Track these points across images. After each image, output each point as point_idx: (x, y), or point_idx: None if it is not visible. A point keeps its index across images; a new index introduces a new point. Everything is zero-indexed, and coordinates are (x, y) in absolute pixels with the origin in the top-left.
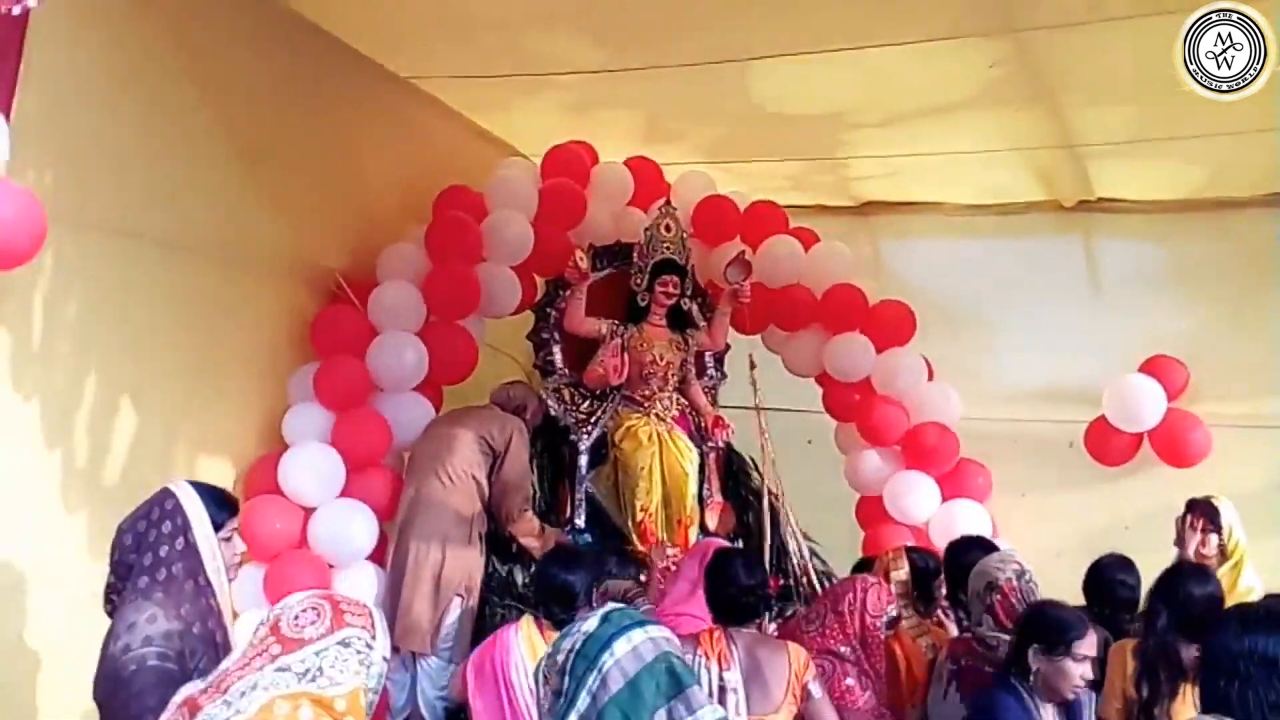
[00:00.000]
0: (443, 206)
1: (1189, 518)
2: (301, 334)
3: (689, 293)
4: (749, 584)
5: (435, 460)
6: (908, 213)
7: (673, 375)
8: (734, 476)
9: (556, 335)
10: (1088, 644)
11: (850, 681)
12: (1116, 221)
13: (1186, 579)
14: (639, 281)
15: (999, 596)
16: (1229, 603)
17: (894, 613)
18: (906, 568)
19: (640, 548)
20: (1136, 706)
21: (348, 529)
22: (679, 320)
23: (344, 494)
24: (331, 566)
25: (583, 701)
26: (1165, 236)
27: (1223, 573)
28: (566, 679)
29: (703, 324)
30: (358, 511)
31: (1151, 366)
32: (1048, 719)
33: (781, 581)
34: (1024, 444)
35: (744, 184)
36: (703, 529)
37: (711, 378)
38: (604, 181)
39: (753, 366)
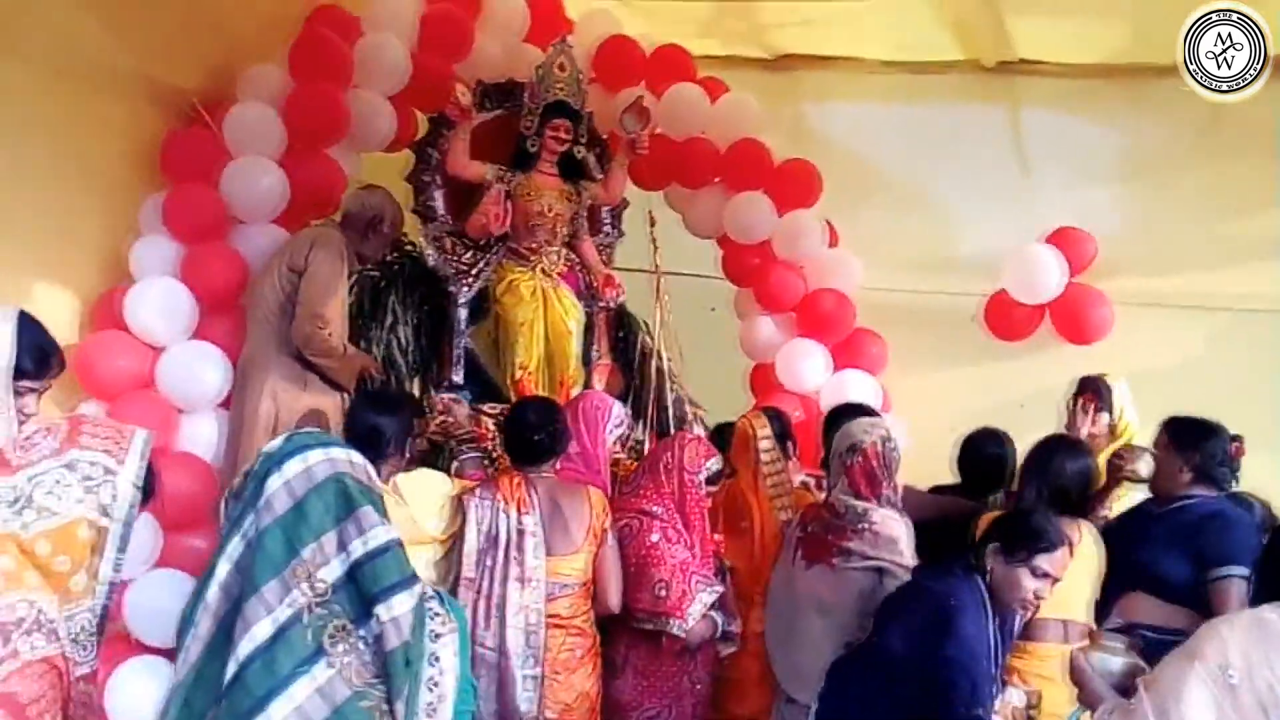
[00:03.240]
0: (313, 26)
1: (1080, 396)
2: (152, 160)
3: (584, 140)
4: (535, 423)
5: (257, 302)
6: (825, 68)
7: (562, 228)
8: (625, 339)
9: (438, 178)
10: (1054, 561)
11: (655, 537)
12: (1039, 87)
13: (1058, 452)
14: (528, 124)
15: (860, 459)
16: None
17: (715, 467)
18: (769, 428)
19: None
20: None
21: (197, 371)
22: (573, 170)
23: (195, 334)
24: (180, 411)
25: (248, 524)
26: (1088, 104)
27: (1110, 451)
28: (237, 503)
29: (600, 176)
30: (209, 353)
31: (1056, 238)
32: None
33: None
34: (925, 316)
35: (652, 26)
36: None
37: (607, 234)
38: (497, 12)
39: (652, 224)
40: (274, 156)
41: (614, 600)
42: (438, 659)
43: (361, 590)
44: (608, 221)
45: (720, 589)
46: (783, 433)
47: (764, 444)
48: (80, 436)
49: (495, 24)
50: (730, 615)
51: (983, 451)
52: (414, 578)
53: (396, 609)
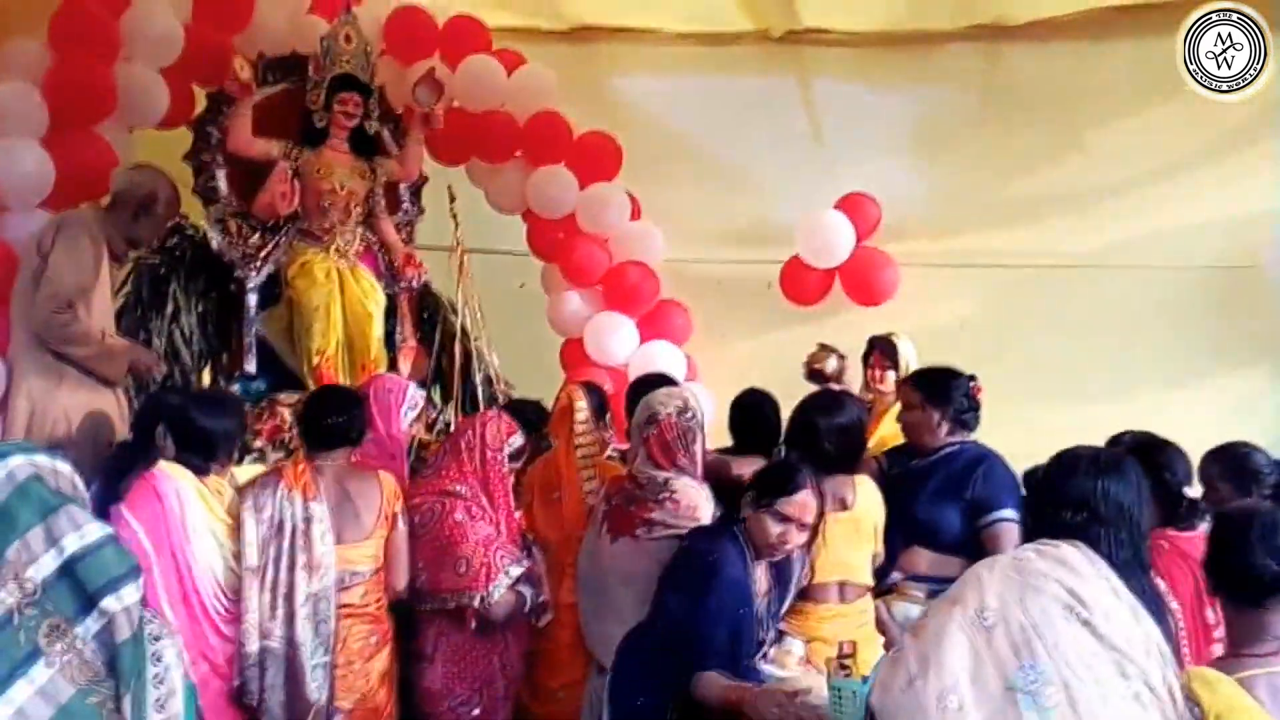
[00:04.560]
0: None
1: (870, 355)
2: None
3: (375, 114)
4: (332, 409)
5: (16, 294)
6: (621, 40)
7: (356, 206)
8: (430, 320)
9: (220, 157)
10: (794, 504)
11: (459, 516)
12: (827, 56)
13: (814, 410)
14: (315, 99)
15: (657, 431)
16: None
17: (518, 442)
18: (587, 401)
19: None
20: None
21: None
22: (366, 146)
23: None
24: None
25: None
26: (874, 73)
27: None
28: None
29: (396, 151)
30: None
31: (845, 204)
32: (759, 575)
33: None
34: (728, 285)
35: None
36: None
37: (406, 212)
38: None
39: (452, 200)
40: (37, 136)
41: (400, 583)
42: (160, 658)
43: (83, 585)
44: (407, 199)
45: (528, 563)
46: (600, 406)
47: (580, 416)
48: None
49: None
50: (539, 588)
51: (744, 413)
52: (139, 570)
53: (127, 598)
